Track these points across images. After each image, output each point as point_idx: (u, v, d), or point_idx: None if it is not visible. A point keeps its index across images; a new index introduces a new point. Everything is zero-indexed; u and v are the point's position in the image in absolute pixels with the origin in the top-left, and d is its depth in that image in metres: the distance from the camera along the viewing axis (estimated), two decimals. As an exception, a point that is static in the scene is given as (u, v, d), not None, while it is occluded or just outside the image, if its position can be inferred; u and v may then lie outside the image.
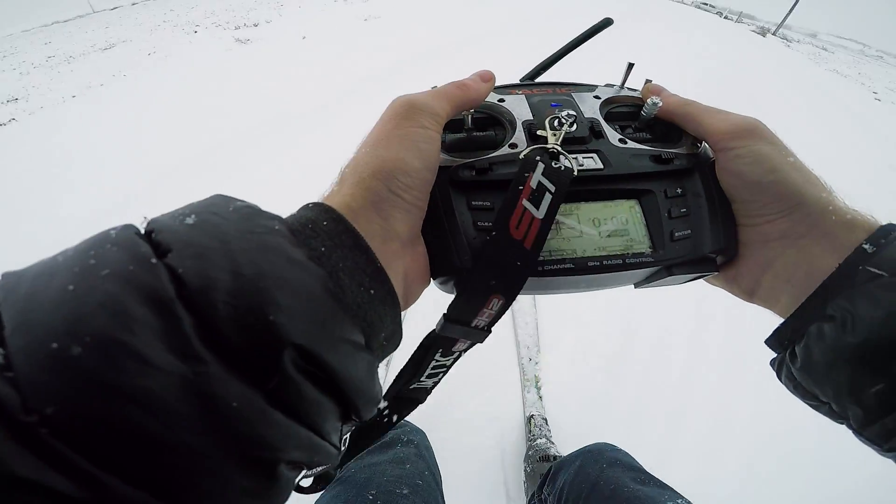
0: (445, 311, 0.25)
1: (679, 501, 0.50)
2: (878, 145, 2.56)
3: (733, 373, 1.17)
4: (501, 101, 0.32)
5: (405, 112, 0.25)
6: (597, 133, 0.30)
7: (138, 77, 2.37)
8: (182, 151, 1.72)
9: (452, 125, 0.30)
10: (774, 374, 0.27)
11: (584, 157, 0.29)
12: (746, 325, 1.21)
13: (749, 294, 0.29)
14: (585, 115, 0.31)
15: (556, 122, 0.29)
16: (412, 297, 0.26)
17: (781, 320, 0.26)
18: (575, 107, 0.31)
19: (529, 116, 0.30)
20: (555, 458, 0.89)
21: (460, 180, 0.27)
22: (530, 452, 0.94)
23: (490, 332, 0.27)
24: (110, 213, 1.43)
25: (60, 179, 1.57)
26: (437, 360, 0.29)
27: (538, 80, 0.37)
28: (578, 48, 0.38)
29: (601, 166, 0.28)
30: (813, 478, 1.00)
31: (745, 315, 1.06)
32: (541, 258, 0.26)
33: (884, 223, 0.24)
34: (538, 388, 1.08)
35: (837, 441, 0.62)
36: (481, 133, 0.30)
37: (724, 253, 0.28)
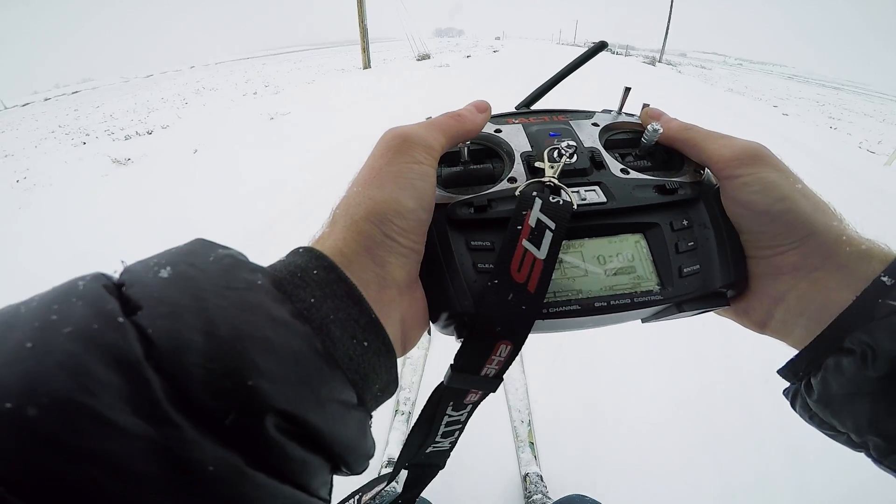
0: (452, 362, 0.24)
1: None
2: (790, 153, 2.99)
3: (733, 428, 1.19)
4: (498, 131, 0.31)
5: (398, 146, 0.24)
6: (598, 163, 0.29)
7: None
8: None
9: (448, 158, 0.29)
10: (788, 404, 0.27)
11: (585, 191, 0.28)
12: (751, 376, 1.24)
13: (761, 326, 0.28)
14: (585, 145, 0.30)
15: (555, 154, 0.28)
16: (410, 343, 0.25)
17: (795, 351, 0.25)
18: (574, 136, 0.31)
19: (528, 147, 0.30)
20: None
21: (458, 219, 0.26)
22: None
23: (501, 380, 0.26)
24: None
25: None
26: (451, 416, 0.28)
27: (534, 107, 0.37)
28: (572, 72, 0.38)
29: (604, 199, 0.28)
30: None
31: (748, 365, 1.12)
32: (546, 300, 0.25)
33: None
34: (532, 447, 1.10)
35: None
36: (478, 166, 0.30)
37: (734, 287, 0.27)
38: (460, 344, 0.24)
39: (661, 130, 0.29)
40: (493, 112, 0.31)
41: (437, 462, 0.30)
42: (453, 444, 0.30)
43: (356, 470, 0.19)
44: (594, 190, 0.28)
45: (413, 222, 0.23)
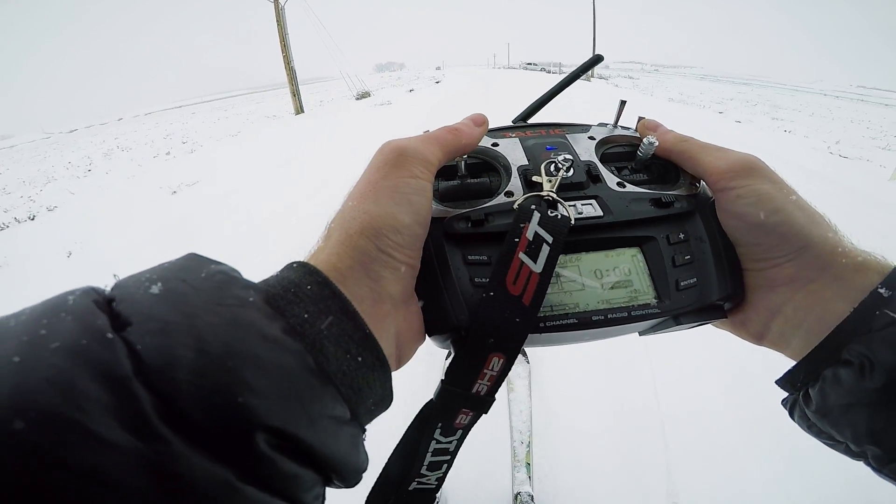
0: (443, 377, 0.24)
1: None
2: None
3: (732, 448, 1.14)
4: (495, 144, 0.31)
5: (395, 160, 0.24)
6: (594, 177, 0.30)
7: None
8: None
9: (445, 171, 0.30)
10: (787, 414, 0.27)
11: (582, 204, 0.28)
12: (753, 394, 1.20)
13: (758, 338, 0.28)
14: (582, 158, 0.31)
15: (552, 168, 0.28)
16: (406, 357, 0.25)
17: (793, 362, 0.25)
18: (570, 149, 0.31)
19: (524, 161, 0.30)
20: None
21: (455, 233, 0.26)
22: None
23: (494, 399, 0.25)
24: None
25: None
26: (439, 441, 0.27)
27: (530, 120, 0.37)
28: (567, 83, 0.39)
29: (601, 213, 0.28)
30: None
31: (753, 390, 1.13)
32: (542, 313, 0.26)
33: None
34: (528, 468, 1.09)
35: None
36: (476, 180, 0.30)
37: (731, 299, 0.28)
38: (451, 357, 0.24)
39: (657, 143, 0.30)
40: (491, 125, 0.31)
41: (421, 500, 0.28)
42: (440, 481, 0.28)
43: (349, 483, 0.19)
44: (591, 204, 0.28)
45: (408, 237, 0.23)
